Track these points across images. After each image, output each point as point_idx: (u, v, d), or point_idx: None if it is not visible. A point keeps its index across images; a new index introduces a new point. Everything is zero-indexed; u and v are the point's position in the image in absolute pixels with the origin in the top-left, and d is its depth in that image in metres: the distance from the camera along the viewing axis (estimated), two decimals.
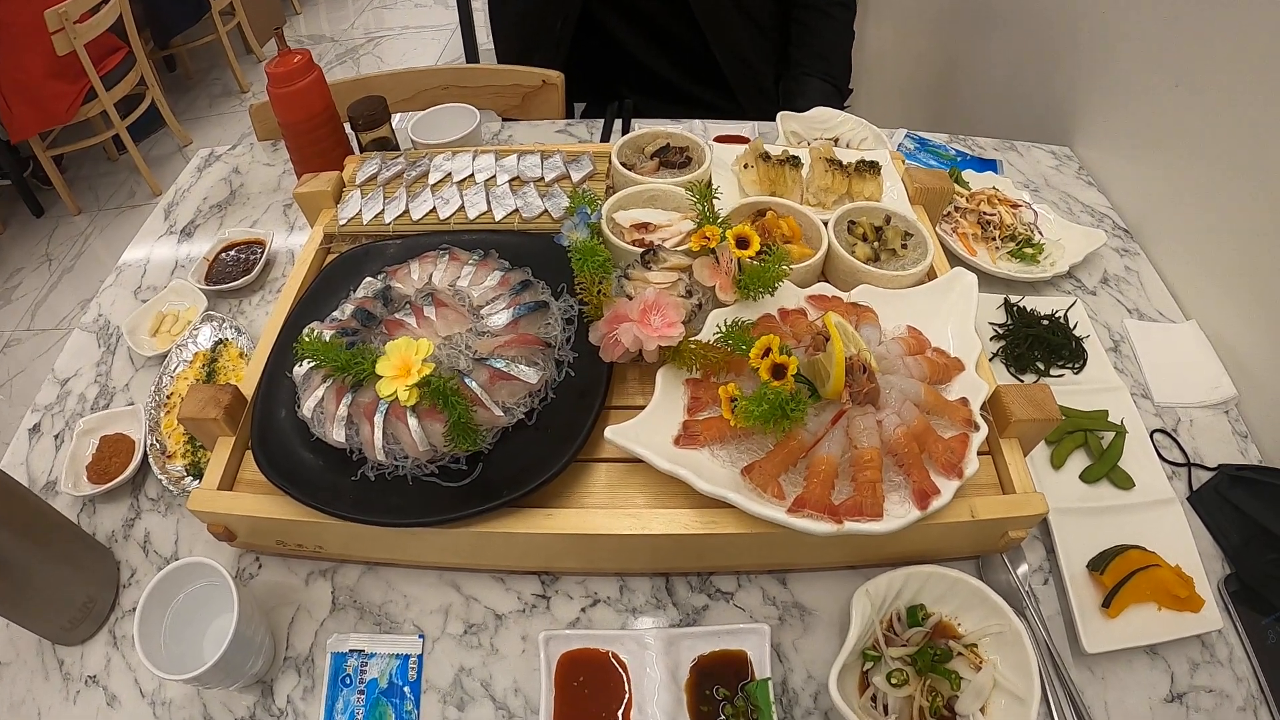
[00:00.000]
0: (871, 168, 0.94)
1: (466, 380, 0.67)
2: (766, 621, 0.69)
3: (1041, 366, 0.92)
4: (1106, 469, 0.80)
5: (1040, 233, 1.07)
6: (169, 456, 0.84)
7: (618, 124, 1.31)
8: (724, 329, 0.69)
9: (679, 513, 0.65)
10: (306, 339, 0.67)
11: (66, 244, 2.74)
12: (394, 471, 0.67)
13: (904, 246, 0.87)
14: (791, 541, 0.67)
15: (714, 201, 0.78)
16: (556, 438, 0.69)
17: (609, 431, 0.65)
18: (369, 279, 0.80)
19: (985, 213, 1.10)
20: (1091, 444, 0.82)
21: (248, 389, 0.76)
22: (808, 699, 0.67)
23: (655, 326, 0.70)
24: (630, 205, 0.90)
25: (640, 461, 0.65)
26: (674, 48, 1.38)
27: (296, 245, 1.11)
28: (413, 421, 0.65)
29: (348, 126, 1.15)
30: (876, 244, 0.87)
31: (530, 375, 0.69)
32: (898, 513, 0.61)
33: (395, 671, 0.70)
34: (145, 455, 0.83)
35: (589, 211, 0.77)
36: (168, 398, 0.89)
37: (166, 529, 0.80)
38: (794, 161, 0.96)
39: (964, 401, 0.68)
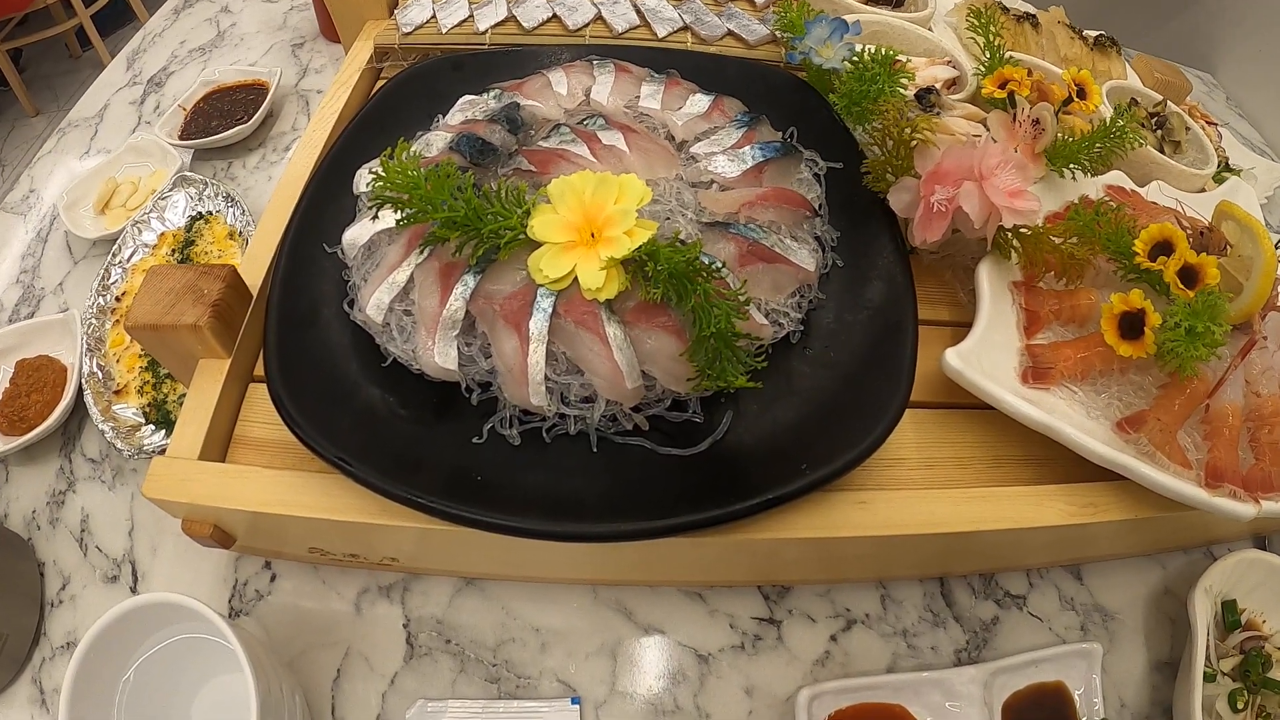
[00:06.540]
0: (1113, 43, 0.73)
1: (706, 259, 0.31)
2: (1067, 634, 0.48)
3: None
4: None
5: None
6: (118, 392, 0.48)
7: None
8: (1076, 210, 0.45)
9: (1041, 493, 0.39)
10: (392, 166, 0.30)
11: (22, 148, 2.25)
12: (557, 426, 0.32)
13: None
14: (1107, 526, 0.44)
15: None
16: (848, 366, 0.35)
17: (952, 356, 0.37)
18: (469, 97, 0.43)
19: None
20: None
21: (253, 277, 0.39)
22: None
23: (1000, 192, 0.36)
24: None
25: (953, 406, 0.41)
26: None
27: (314, 90, 0.74)
28: (613, 330, 0.29)
29: None
30: (1160, 133, 0.65)
31: (805, 258, 0.34)
32: None
33: None
34: (81, 390, 0.46)
35: (846, 23, 0.42)
36: (117, 300, 0.51)
37: (115, 510, 0.49)
38: (1032, 21, 0.64)
39: None
